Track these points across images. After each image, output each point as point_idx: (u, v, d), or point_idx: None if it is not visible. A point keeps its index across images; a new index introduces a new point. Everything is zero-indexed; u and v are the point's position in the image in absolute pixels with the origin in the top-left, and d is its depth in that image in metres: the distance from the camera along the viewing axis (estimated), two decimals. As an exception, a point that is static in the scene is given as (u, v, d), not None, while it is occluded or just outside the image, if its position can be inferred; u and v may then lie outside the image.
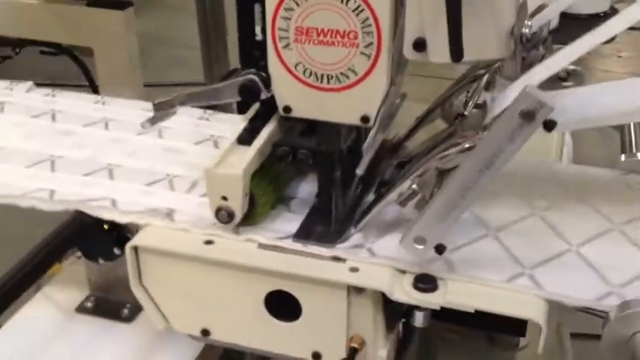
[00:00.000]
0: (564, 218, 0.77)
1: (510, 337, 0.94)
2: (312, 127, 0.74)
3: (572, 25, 1.85)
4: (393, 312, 0.72)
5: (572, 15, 1.86)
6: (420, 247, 0.64)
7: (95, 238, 0.84)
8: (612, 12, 1.96)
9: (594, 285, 0.67)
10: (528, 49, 0.66)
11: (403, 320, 0.73)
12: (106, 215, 0.78)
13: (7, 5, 1.18)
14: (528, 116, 0.56)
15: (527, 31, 0.66)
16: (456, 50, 0.61)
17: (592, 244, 0.73)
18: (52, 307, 0.94)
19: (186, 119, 0.99)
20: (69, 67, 1.35)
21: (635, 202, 0.80)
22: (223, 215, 0.71)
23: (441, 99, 0.81)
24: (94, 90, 1.26)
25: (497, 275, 0.68)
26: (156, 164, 0.89)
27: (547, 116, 0.56)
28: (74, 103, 1.03)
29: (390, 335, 0.73)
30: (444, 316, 0.68)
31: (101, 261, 0.88)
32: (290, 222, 0.75)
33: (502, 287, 0.66)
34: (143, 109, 1.00)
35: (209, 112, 0.99)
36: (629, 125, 1.00)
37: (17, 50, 1.40)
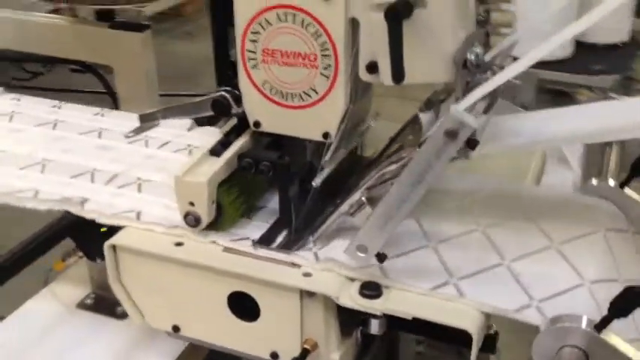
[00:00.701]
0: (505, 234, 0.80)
1: (481, 353, 0.96)
2: (279, 141, 0.79)
3: (588, 55, 1.85)
4: (350, 319, 0.76)
5: (588, 44, 1.85)
6: (362, 255, 0.69)
7: (93, 239, 0.92)
8: (632, 42, 1.93)
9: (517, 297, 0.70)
10: (474, 74, 0.71)
11: (361, 328, 0.77)
12: (29, 204, 0.87)
13: (38, 25, 1.29)
14: (452, 135, 0.61)
15: (472, 57, 0.70)
16: (398, 73, 0.66)
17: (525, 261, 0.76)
18: (55, 302, 1.01)
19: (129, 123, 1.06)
20: (94, 83, 1.46)
21: (580, 221, 0.83)
22: (191, 220, 0.77)
23: (411, 119, 0.85)
24: (114, 102, 1.36)
25: (427, 283, 0.72)
26: (86, 160, 0.97)
27: (468, 135, 0.61)
28: (33, 106, 1.12)
29: (347, 341, 0.78)
30: (411, 327, 0.72)
31: (99, 260, 0.95)
32: (257, 229, 0.81)
33: (432, 295, 0.70)
34: (94, 114, 1.09)
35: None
36: (609, 152, 1.02)
37: (48, 67, 1.52)
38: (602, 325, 0.61)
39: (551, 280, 0.73)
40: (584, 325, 0.65)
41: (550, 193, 0.93)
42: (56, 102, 1.12)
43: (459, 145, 0.61)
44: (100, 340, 0.95)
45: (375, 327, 0.75)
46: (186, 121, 0.99)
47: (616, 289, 0.64)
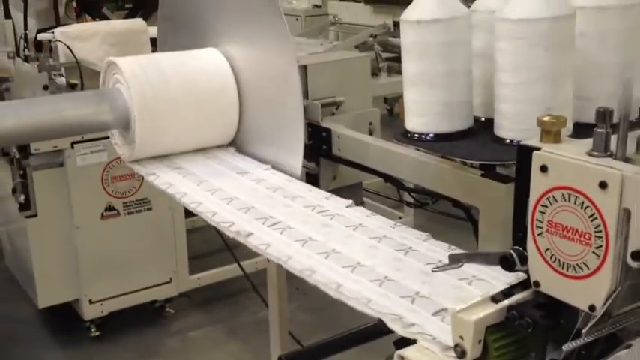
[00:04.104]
0: None
1: None
2: (555, 303, 0.88)
3: None
4: None
5: None
6: None
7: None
8: None
9: None
10: None
11: None
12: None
13: (430, 166, 1.58)
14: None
15: None
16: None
17: None
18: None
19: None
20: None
21: None
22: (458, 351, 0.91)
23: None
24: (476, 236, 1.56)
25: None
26: (411, 282, 1.14)
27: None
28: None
29: None
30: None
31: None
32: (519, 377, 0.90)
33: None
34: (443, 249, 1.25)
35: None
36: None
37: (434, 200, 1.81)
38: None
39: None
40: None
41: None
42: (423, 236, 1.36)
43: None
44: None
45: None
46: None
47: None
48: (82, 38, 3.35)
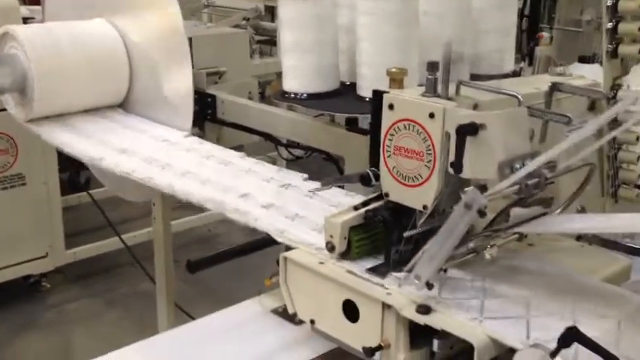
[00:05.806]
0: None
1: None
2: (400, 207, 1.18)
3: None
4: (422, 338, 1.09)
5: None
6: (417, 282, 1.04)
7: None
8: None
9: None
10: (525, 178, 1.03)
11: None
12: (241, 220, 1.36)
13: (304, 124, 1.86)
14: (467, 206, 0.94)
15: (518, 166, 1.03)
16: (457, 168, 1.02)
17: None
18: (257, 306, 1.48)
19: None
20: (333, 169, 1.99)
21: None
22: (329, 246, 1.18)
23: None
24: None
25: (462, 315, 1.05)
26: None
27: (478, 208, 0.94)
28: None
29: (415, 351, 1.10)
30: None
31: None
32: (375, 262, 1.19)
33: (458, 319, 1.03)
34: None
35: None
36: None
37: (308, 154, 2.09)
38: (554, 353, 0.88)
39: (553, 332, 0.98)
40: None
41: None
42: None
43: (473, 214, 0.94)
44: (277, 335, 1.38)
45: (435, 346, 1.07)
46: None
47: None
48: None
